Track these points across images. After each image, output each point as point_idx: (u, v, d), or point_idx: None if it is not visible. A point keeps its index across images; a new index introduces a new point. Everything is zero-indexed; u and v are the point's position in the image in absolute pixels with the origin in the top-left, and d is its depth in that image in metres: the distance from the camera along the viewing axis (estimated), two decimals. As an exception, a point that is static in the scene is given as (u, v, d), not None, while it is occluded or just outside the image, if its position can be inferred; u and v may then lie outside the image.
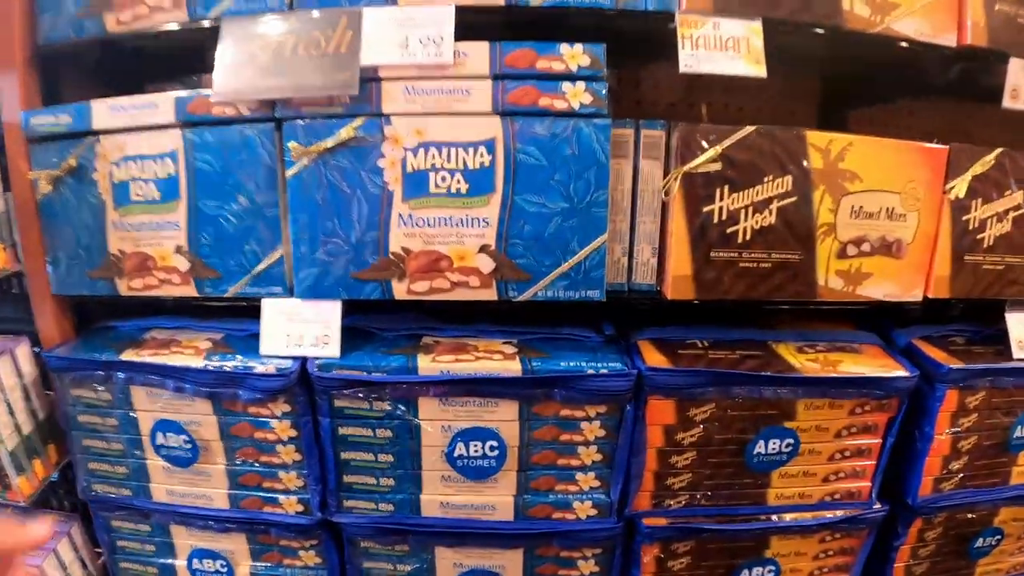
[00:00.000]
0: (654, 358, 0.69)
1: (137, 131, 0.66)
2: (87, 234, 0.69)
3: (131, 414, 0.70)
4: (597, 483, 0.70)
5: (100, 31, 0.68)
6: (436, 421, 0.67)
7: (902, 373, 0.73)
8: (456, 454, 0.67)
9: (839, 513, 0.77)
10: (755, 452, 0.73)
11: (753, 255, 0.69)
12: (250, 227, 0.65)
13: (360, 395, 0.65)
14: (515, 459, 0.69)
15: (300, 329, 0.65)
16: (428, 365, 0.65)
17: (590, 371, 0.65)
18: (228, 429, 0.68)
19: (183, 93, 0.65)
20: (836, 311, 0.83)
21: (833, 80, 0.97)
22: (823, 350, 0.76)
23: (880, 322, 0.84)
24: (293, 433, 0.68)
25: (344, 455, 0.68)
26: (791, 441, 0.74)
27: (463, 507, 0.70)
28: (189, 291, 0.68)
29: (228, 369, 0.65)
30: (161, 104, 0.65)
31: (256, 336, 0.68)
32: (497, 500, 0.70)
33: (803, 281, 0.72)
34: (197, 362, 0.66)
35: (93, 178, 0.68)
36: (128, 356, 0.68)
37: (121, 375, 0.68)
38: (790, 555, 0.80)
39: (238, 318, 0.73)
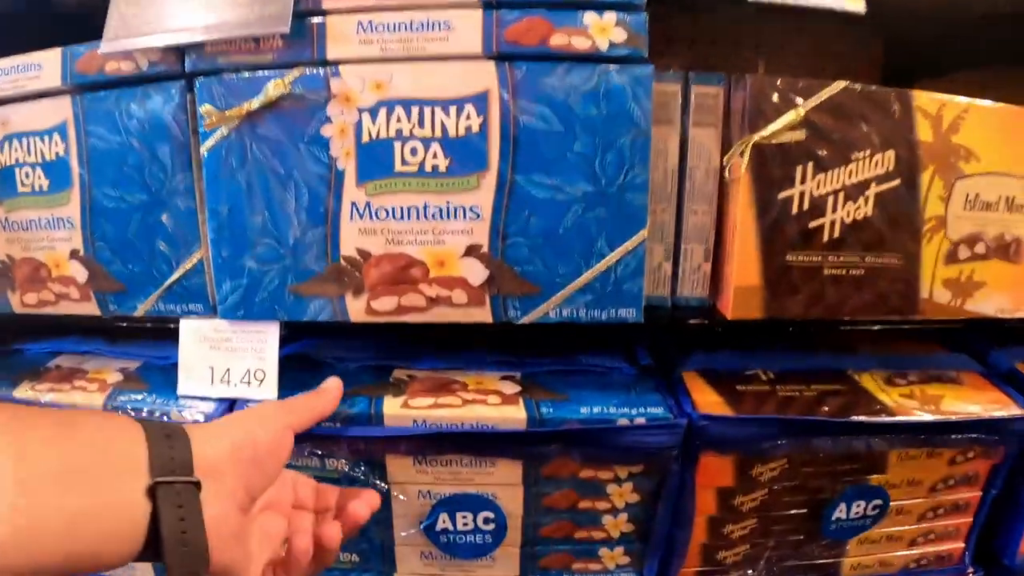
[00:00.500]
0: (707, 398, 0.40)
1: (21, 101, 0.39)
2: None
3: (31, 464, 0.45)
4: (626, 560, 0.42)
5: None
6: (411, 485, 0.39)
7: (1021, 412, 0.45)
8: (439, 528, 0.40)
9: (926, 582, 0.50)
10: (834, 517, 0.44)
11: (843, 259, 0.40)
12: (159, 224, 0.38)
13: (307, 452, 0.38)
14: (518, 532, 0.40)
15: (227, 361, 0.38)
16: (397, 412, 0.37)
17: (622, 421, 0.37)
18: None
19: (73, 48, 0.38)
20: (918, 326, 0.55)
21: (898, 44, 0.66)
22: (916, 381, 0.47)
23: (965, 337, 0.56)
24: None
25: (294, 523, 0.42)
26: (879, 502, 0.45)
27: (450, 591, 0.42)
28: (90, 308, 0.41)
29: (132, 413, 0.38)
30: (46, 64, 0.38)
31: (182, 366, 0.40)
32: (495, 584, 0.42)
33: (903, 294, 0.42)
34: (96, 402, 0.39)
35: None
36: (23, 392, 0.41)
37: (12, 416, 0.44)
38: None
39: (166, 339, 0.43)
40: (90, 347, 0.46)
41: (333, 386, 0.35)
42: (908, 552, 0.48)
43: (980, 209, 0.42)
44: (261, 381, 0.37)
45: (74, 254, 0.40)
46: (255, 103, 0.34)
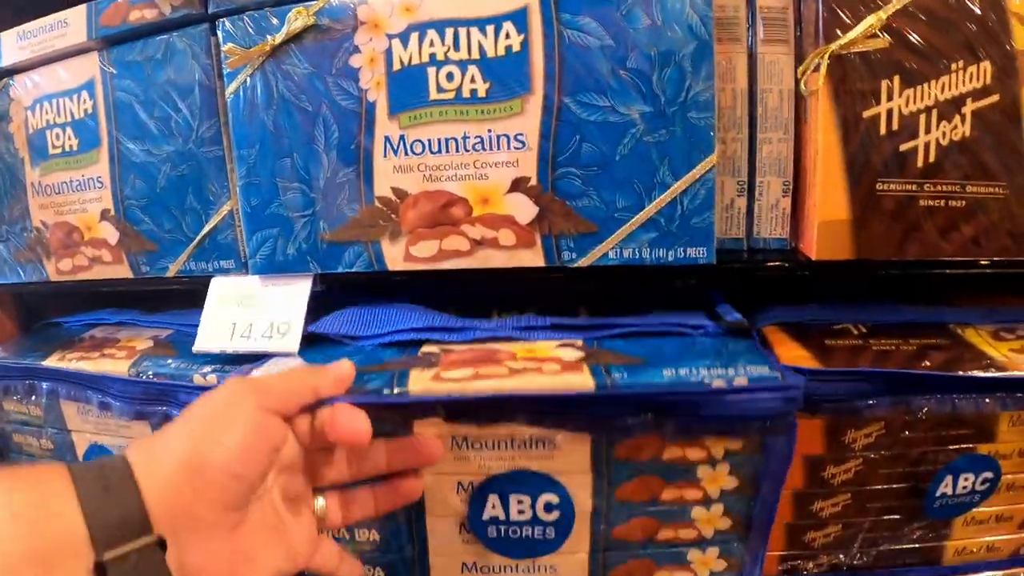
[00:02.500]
0: (791, 352, 0.34)
1: (51, 62, 0.38)
2: (9, 205, 0.41)
3: (66, 436, 0.41)
4: (723, 564, 0.33)
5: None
6: (448, 476, 0.31)
7: None
8: (486, 516, 0.31)
9: (1040, 570, 0.42)
10: (939, 493, 0.38)
11: (941, 188, 0.34)
12: (187, 175, 0.36)
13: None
14: (586, 531, 0.32)
15: (251, 316, 0.34)
16: (427, 387, 0.29)
17: (717, 383, 0.28)
18: (178, 460, 0.40)
19: (97, 1, 0.36)
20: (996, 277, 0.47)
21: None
22: (1027, 334, 0.41)
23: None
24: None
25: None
26: (989, 475, 0.38)
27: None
28: (123, 271, 0.39)
29: (155, 380, 0.35)
30: (72, 20, 0.37)
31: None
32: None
33: (1010, 230, 0.36)
34: (122, 369, 0.37)
35: (9, 130, 0.40)
36: (52, 362, 0.39)
37: (45, 386, 0.39)
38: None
39: (201, 307, 0.39)
40: (125, 317, 0.44)
41: (338, 365, 0.28)
42: (1019, 535, 0.40)
43: (1099, 128, 0.35)
44: (284, 334, 0.34)
45: (105, 215, 0.38)
46: (278, 37, 0.32)
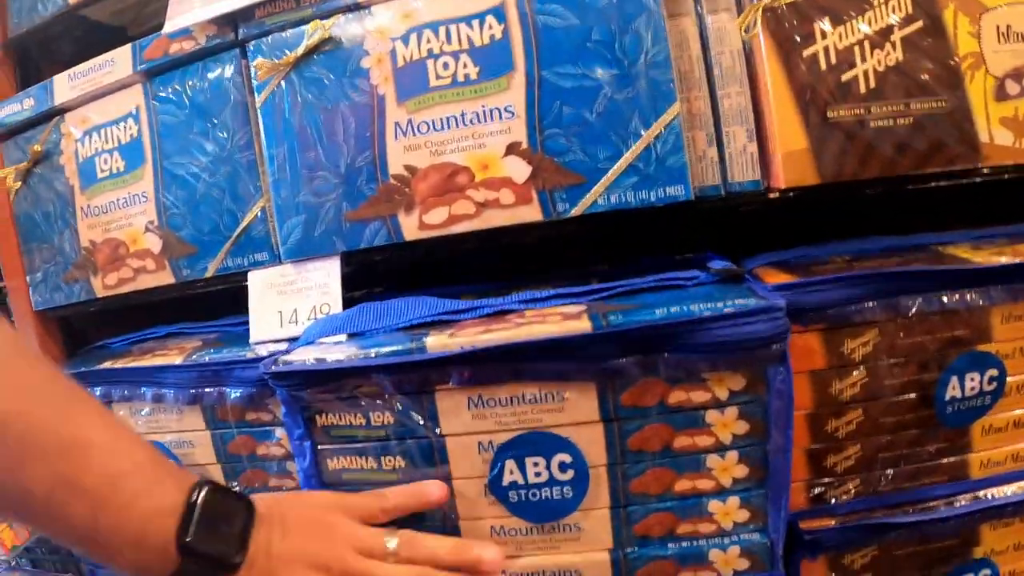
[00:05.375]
0: (778, 279, 0.42)
1: (99, 97, 0.49)
2: (59, 230, 0.52)
3: (117, 440, 0.51)
4: (745, 514, 0.37)
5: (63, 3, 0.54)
6: (468, 436, 0.37)
7: None
8: (506, 481, 0.36)
9: (1074, 480, 0.46)
10: (948, 396, 0.44)
11: (886, 108, 0.43)
12: (223, 181, 0.46)
13: (343, 397, 0.37)
14: (604, 487, 0.37)
15: (293, 303, 0.44)
16: (444, 342, 0.36)
17: (704, 313, 0.34)
18: (226, 447, 0.46)
19: (140, 41, 0.48)
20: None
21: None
22: (1006, 243, 0.48)
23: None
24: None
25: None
26: (994, 372, 0.43)
27: (529, 576, 0.38)
28: (166, 278, 0.48)
29: (209, 361, 0.43)
30: (118, 58, 0.48)
31: (255, 326, 0.47)
32: (583, 559, 0.37)
33: (959, 139, 0.44)
34: (175, 361, 0.45)
35: (60, 163, 0.51)
36: (103, 367, 0.48)
37: (98, 391, 0.48)
38: (1008, 550, 0.48)
39: (241, 312, 0.48)
40: (171, 329, 0.53)
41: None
42: (1043, 441, 0.46)
43: (1017, 40, 0.44)
44: (327, 315, 0.42)
45: (149, 226, 0.49)
46: (300, 50, 0.42)
